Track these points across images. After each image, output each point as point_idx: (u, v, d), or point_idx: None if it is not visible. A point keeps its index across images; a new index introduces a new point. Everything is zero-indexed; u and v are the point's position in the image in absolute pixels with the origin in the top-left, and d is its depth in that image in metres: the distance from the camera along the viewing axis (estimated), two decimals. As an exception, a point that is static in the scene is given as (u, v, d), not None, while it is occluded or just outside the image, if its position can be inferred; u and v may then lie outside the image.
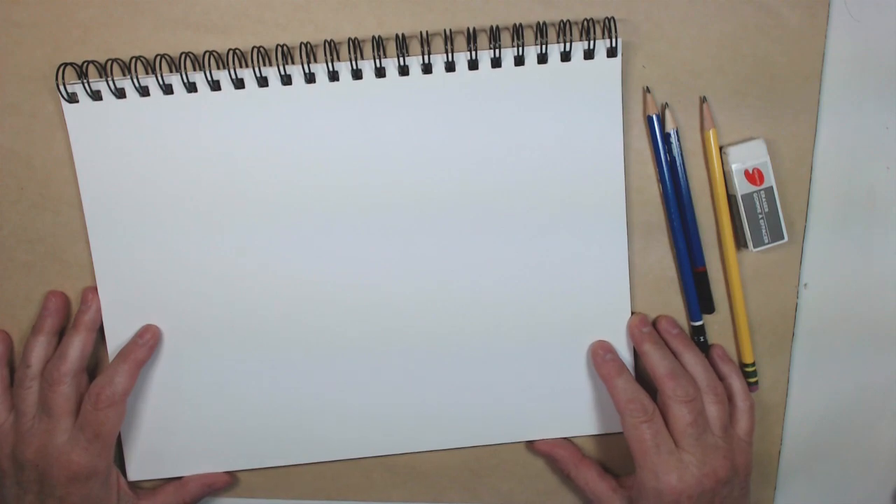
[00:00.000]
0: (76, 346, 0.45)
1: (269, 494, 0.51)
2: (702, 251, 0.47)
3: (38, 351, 0.45)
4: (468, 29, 0.43)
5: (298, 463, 0.50)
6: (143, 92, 0.44)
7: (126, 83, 0.43)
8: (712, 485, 0.43)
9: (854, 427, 0.51)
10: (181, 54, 0.43)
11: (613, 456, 0.50)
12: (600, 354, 0.47)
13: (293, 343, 0.47)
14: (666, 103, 0.45)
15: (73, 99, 0.44)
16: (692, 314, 0.48)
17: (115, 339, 0.47)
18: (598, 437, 0.50)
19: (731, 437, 0.45)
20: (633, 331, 0.47)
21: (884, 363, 0.50)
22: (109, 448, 0.45)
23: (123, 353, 0.45)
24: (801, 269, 0.48)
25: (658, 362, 0.45)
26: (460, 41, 0.44)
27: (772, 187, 0.45)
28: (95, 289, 0.46)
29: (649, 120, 0.45)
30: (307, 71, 0.43)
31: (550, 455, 0.49)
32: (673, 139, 0.45)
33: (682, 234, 0.46)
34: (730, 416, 0.46)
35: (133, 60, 0.43)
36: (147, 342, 0.46)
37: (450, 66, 0.44)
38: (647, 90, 0.45)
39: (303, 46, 0.43)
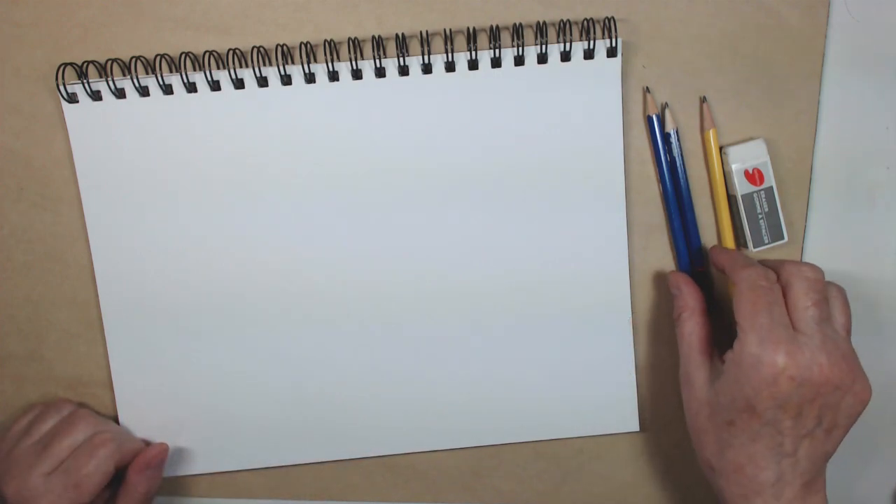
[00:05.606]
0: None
1: (269, 494, 0.51)
2: (702, 251, 0.47)
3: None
4: (468, 29, 0.43)
5: (298, 463, 0.50)
6: (143, 92, 0.44)
7: (126, 83, 0.43)
8: (821, 379, 0.36)
9: (854, 427, 0.51)
10: (181, 54, 0.43)
11: (614, 456, 0.50)
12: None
13: (293, 343, 0.47)
14: (666, 103, 0.45)
15: (73, 99, 0.44)
16: (692, 314, 0.48)
17: (116, 340, 0.47)
18: (599, 438, 0.50)
19: (853, 349, 0.39)
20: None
21: (884, 363, 0.50)
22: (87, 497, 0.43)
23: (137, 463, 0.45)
24: (801, 269, 0.48)
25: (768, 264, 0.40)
26: (460, 41, 0.44)
27: (772, 187, 0.45)
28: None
29: (649, 120, 0.45)
30: (307, 71, 0.43)
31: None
32: (673, 139, 0.45)
33: (682, 234, 0.46)
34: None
35: (133, 60, 0.43)
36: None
37: (450, 66, 0.44)
38: (647, 90, 0.45)
39: (303, 46, 0.43)
